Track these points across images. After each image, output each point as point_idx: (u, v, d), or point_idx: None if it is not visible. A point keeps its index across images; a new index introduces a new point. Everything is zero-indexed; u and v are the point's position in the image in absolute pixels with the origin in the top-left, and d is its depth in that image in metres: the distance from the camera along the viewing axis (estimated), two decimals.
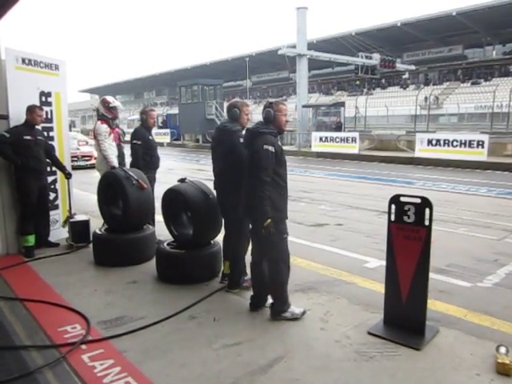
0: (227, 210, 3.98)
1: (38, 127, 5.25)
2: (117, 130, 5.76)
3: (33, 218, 5.17)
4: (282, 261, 3.40)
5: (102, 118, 5.59)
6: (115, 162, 5.44)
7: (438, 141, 16.33)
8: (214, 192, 4.13)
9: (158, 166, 5.64)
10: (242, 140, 3.68)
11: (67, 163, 5.86)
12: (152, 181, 5.34)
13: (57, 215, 5.84)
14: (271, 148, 3.25)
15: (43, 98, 5.55)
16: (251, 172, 3.32)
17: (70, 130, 14.12)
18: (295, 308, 3.45)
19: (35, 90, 5.44)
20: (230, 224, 4.04)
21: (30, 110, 5.04)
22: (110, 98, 5.72)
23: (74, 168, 7.16)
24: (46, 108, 5.54)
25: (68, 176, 5.56)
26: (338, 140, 19.76)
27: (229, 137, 3.83)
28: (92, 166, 15.58)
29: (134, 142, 5.31)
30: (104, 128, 5.49)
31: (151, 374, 2.71)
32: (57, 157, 5.54)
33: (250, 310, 3.60)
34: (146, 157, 5.36)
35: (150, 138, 5.48)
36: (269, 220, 3.20)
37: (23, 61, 5.25)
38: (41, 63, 5.50)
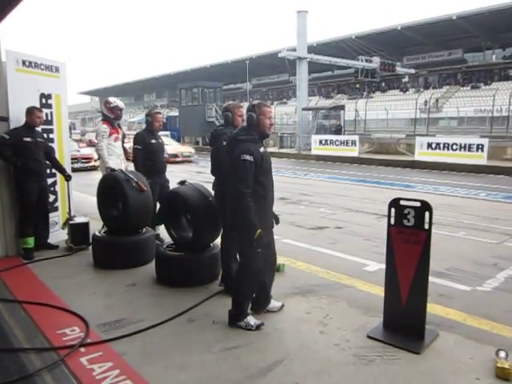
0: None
1: (38, 129, 5.25)
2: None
3: (32, 219, 5.17)
4: (250, 274, 3.34)
5: (104, 118, 5.70)
6: (110, 163, 5.45)
7: (437, 144, 16.37)
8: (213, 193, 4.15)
9: (163, 171, 5.55)
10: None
11: (67, 165, 5.87)
12: (154, 186, 5.25)
13: (56, 217, 5.84)
14: (249, 157, 3.09)
15: (43, 100, 5.56)
16: (231, 182, 3.20)
17: (70, 133, 14.16)
18: (251, 319, 3.36)
19: (35, 91, 5.45)
20: (223, 226, 4.05)
21: (29, 111, 5.04)
22: (111, 99, 5.78)
23: (74, 170, 7.17)
24: (46, 110, 5.55)
25: (68, 178, 5.55)
26: (337, 143, 19.82)
27: (216, 140, 3.92)
28: (92, 168, 15.64)
29: (134, 146, 5.33)
30: (103, 128, 5.60)
31: (150, 377, 2.70)
32: (56, 159, 5.54)
33: (252, 313, 3.58)
34: (147, 161, 5.31)
35: (153, 141, 5.41)
36: (258, 231, 3.09)
37: (24, 63, 5.25)
38: (41, 65, 5.50)
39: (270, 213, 3.43)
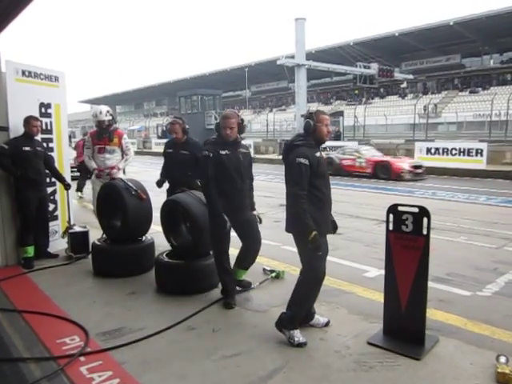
0: None
1: (38, 138, 5.27)
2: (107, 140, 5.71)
3: (32, 229, 5.18)
4: (311, 280, 3.24)
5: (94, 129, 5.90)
6: (93, 164, 5.71)
7: (436, 149, 16.43)
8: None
9: (173, 183, 5.04)
10: (206, 153, 3.82)
11: (67, 174, 5.89)
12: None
13: (56, 226, 5.84)
14: (304, 161, 3.12)
15: (43, 110, 5.58)
16: (287, 186, 3.25)
17: (70, 141, 14.17)
18: (297, 334, 3.20)
19: (35, 101, 5.47)
20: None
21: (26, 121, 5.05)
22: (93, 110, 5.77)
23: (74, 178, 7.19)
24: (45, 119, 5.58)
25: (67, 187, 5.57)
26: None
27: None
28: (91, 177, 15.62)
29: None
30: (86, 138, 5.99)
31: None
32: (56, 168, 5.55)
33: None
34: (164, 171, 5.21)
35: (169, 150, 5.15)
36: (313, 233, 3.04)
37: (23, 73, 5.28)
38: (41, 75, 5.53)
39: (329, 218, 3.37)
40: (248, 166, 4.05)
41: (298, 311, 3.27)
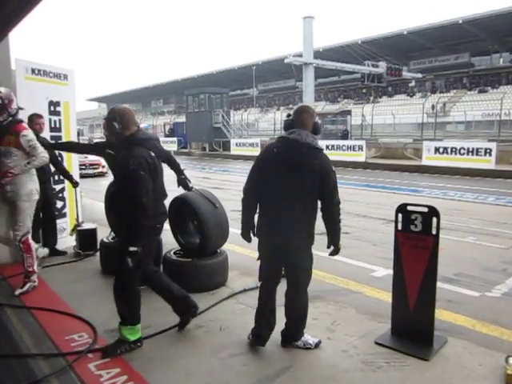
0: None
1: (45, 136, 5.28)
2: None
3: (37, 226, 5.19)
4: (306, 289, 3.17)
5: None
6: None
7: (445, 149, 16.30)
8: None
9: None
10: None
11: (75, 172, 5.91)
12: None
13: (64, 223, 5.87)
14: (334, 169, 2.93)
15: (52, 108, 5.61)
16: (328, 196, 3.04)
17: (78, 139, 14.25)
18: (309, 337, 3.15)
19: (44, 99, 5.49)
20: None
21: (29, 119, 5.00)
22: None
23: (82, 176, 7.23)
24: (54, 117, 5.61)
25: (75, 185, 5.59)
26: (344, 148, 19.79)
27: None
28: (100, 174, 15.74)
29: None
30: None
31: (157, 383, 2.71)
32: (63, 166, 5.57)
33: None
34: None
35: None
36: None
37: (33, 71, 5.31)
38: (50, 73, 5.56)
39: None
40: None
41: (304, 323, 3.18)
